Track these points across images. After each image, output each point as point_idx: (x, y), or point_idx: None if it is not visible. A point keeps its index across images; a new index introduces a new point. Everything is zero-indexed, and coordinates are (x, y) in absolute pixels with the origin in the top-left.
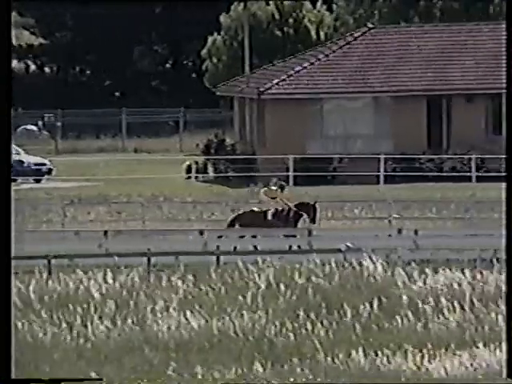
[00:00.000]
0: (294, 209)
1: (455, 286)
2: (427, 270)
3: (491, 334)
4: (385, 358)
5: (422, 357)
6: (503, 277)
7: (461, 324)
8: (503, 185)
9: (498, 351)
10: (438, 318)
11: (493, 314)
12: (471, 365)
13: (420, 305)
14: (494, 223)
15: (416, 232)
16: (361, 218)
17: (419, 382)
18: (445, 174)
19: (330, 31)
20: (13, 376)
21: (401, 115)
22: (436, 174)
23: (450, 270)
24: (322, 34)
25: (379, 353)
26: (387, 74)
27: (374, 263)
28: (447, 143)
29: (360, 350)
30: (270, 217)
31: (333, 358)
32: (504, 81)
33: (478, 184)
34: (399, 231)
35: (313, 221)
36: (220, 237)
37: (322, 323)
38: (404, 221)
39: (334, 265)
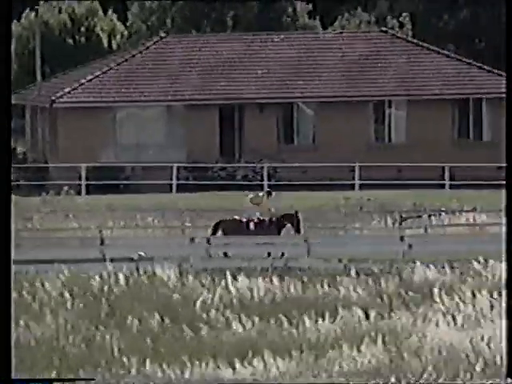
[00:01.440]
0: (276, 220)
1: (248, 292)
2: (217, 279)
3: (281, 341)
4: (177, 368)
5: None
6: (293, 283)
7: (253, 331)
8: (296, 193)
9: (288, 359)
10: (229, 327)
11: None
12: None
13: (213, 314)
14: (288, 231)
15: (208, 241)
16: (154, 227)
17: None
18: (237, 182)
19: (122, 40)
20: (13, 376)
21: (193, 124)
22: (229, 182)
23: (248, 277)
24: (114, 42)
25: (171, 363)
26: (179, 83)
27: (166, 272)
28: (239, 152)
29: (149, 359)
30: (252, 227)
31: (122, 367)
32: (295, 93)
33: None
34: (192, 240)
35: (297, 231)
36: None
37: (112, 332)
38: (196, 230)
39: (126, 273)
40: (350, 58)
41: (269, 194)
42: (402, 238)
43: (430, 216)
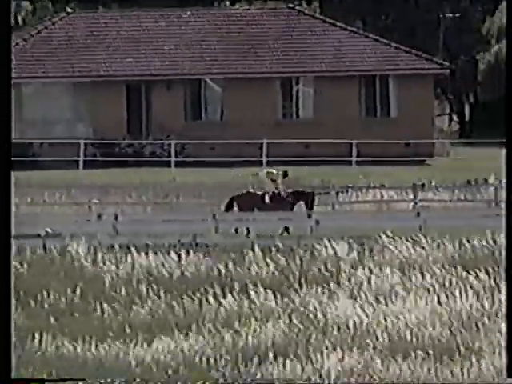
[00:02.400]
0: (290, 196)
1: (156, 269)
2: (125, 255)
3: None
4: (87, 345)
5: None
6: (203, 258)
7: (161, 308)
8: (204, 170)
9: (195, 336)
10: (144, 304)
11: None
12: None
13: (121, 290)
14: (194, 208)
15: (116, 217)
16: (61, 204)
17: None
18: (145, 159)
19: (28, 16)
20: (13, 376)
21: (100, 101)
22: (136, 159)
23: (155, 253)
24: (19, 18)
25: (77, 340)
26: (86, 59)
27: (74, 248)
28: (147, 129)
29: (60, 336)
30: (267, 199)
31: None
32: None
33: (177, 169)
34: (99, 216)
35: (311, 208)
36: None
37: (22, 309)
38: (104, 206)
39: (36, 250)
40: (257, 34)
41: (285, 175)
42: (309, 215)
43: (337, 193)
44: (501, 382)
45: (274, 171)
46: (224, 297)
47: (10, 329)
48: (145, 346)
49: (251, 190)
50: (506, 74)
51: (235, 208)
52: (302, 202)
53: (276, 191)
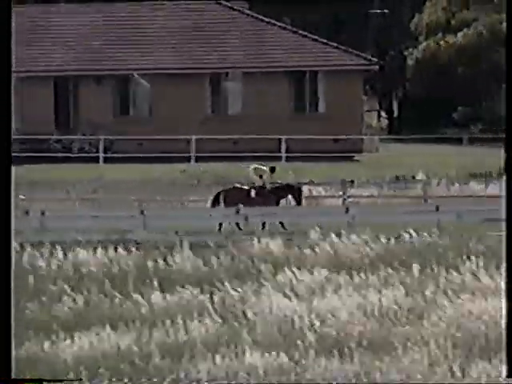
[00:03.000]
0: (277, 190)
1: (83, 265)
2: (53, 251)
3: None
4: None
5: None
6: (131, 254)
7: (87, 304)
8: (133, 165)
9: (121, 332)
10: (70, 300)
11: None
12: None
13: (47, 287)
14: (122, 204)
15: (43, 213)
16: None
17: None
18: (74, 154)
19: None
20: (13, 376)
21: (28, 96)
22: (65, 154)
23: (83, 249)
24: None
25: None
26: (14, 54)
27: None
28: (75, 124)
29: None
30: (253, 194)
31: None
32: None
33: (106, 165)
34: (27, 212)
35: (299, 203)
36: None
37: None
38: (31, 202)
39: None
40: (185, 30)
41: (272, 170)
42: (237, 211)
43: None
44: (501, 382)
45: (262, 167)
46: (152, 293)
47: (10, 329)
48: (68, 342)
49: (237, 185)
50: (506, 74)
51: (221, 203)
52: (290, 196)
53: (262, 185)
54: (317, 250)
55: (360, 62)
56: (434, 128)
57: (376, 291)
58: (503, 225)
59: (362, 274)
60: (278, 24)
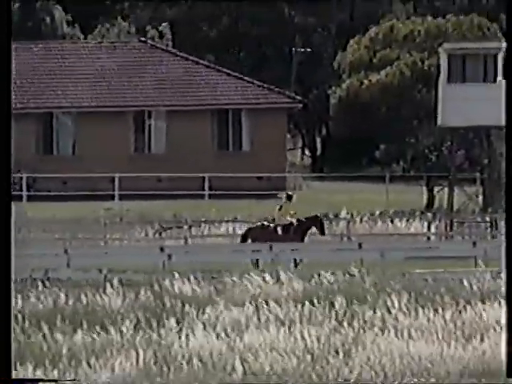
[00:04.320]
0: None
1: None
2: None
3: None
4: None
5: None
6: (55, 293)
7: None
8: (55, 204)
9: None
10: None
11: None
12: None
13: None
14: (46, 242)
15: None
16: None
17: None
18: None
19: None
20: (13, 376)
21: None
22: None
23: None
24: None
25: None
26: None
27: None
28: None
29: None
30: (279, 231)
31: None
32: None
33: (29, 203)
34: None
35: (322, 233)
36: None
37: None
38: None
39: None
40: (109, 68)
41: (289, 198)
42: (162, 249)
43: (190, 227)
44: (501, 382)
45: (284, 205)
46: (75, 332)
47: (9, 329)
48: None
49: (265, 223)
50: (507, 75)
51: (249, 240)
52: (314, 228)
53: (287, 222)
54: (240, 287)
55: (283, 100)
56: (357, 166)
57: (302, 329)
58: (425, 262)
59: (286, 312)
60: (202, 62)
